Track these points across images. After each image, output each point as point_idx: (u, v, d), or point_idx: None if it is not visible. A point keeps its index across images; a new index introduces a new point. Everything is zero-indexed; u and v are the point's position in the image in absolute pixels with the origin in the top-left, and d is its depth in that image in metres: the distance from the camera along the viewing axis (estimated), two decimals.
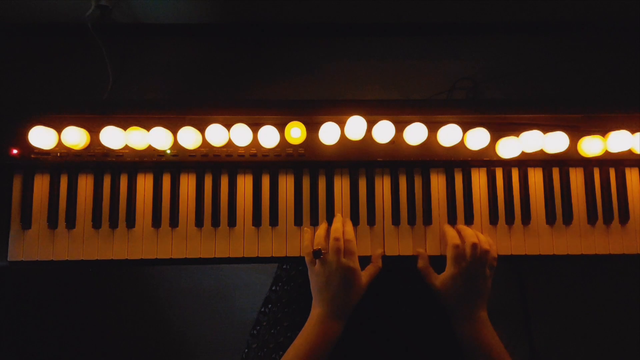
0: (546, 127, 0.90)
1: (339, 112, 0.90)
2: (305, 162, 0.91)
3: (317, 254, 0.83)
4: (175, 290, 1.49)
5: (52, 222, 0.89)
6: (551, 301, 1.45)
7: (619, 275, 1.43)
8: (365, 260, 0.88)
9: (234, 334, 1.45)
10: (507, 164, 0.93)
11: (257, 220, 0.91)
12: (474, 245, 0.83)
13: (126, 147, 0.88)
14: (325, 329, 0.81)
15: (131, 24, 1.28)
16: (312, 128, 0.90)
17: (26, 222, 0.89)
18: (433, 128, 0.89)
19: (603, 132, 0.90)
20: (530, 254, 0.91)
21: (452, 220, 0.91)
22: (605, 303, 1.44)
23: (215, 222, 0.90)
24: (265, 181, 0.92)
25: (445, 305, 0.85)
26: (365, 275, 0.85)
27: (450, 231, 0.88)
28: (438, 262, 0.88)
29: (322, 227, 0.89)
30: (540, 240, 0.92)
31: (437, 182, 0.93)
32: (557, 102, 0.94)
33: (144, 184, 0.91)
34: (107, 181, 0.91)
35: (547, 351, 1.43)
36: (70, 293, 1.47)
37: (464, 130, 0.88)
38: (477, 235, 0.87)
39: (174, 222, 0.90)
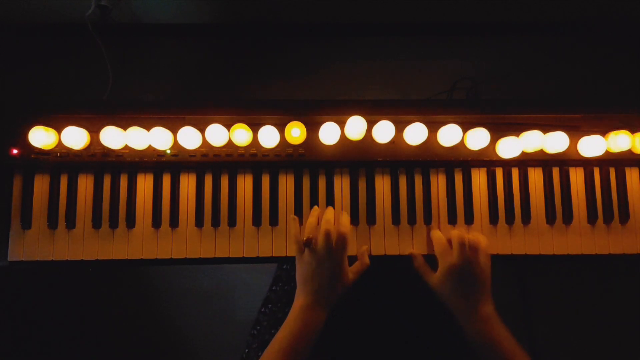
0: (546, 127, 0.90)
1: (339, 112, 0.90)
2: (305, 162, 0.91)
3: (308, 243, 0.82)
4: (175, 290, 1.49)
5: (52, 222, 0.89)
6: (551, 301, 1.45)
7: (619, 275, 1.43)
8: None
9: (234, 334, 1.45)
10: (507, 164, 0.93)
11: (257, 220, 0.91)
12: (459, 236, 0.84)
13: (126, 147, 0.88)
14: (307, 319, 0.79)
15: (131, 24, 1.28)
16: (312, 128, 0.90)
17: (26, 222, 0.89)
18: (433, 128, 0.89)
19: (603, 132, 0.90)
20: (530, 254, 0.91)
21: (452, 220, 0.92)
22: (605, 303, 1.44)
23: (215, 222, 0.90)
24: (265, 181, 0.92)
25: (447, 304, 0.84)
26: (352, 272, 0.85)
27: (435, 234, 0.89)
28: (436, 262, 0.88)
29: (314, 214, 0.88)
30: (541, 240, 0.92)
31: (437, 182, 0.93)
32: (557, 102, 0.94)
33: (144, 184, 0.91)
34: (107, 181, 0.91)
35: (547, 351, 1.43)
36: (70, 293, 1.47)
37: (464, 130, 0.88)
38: (463, 233, 0.87)
39: (174, 222, 0.90)
